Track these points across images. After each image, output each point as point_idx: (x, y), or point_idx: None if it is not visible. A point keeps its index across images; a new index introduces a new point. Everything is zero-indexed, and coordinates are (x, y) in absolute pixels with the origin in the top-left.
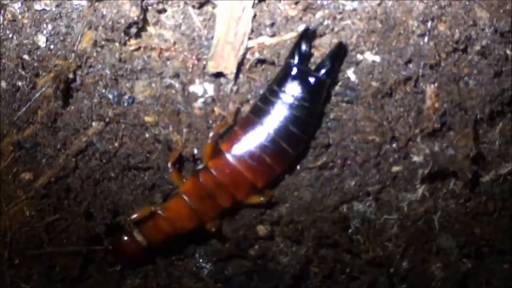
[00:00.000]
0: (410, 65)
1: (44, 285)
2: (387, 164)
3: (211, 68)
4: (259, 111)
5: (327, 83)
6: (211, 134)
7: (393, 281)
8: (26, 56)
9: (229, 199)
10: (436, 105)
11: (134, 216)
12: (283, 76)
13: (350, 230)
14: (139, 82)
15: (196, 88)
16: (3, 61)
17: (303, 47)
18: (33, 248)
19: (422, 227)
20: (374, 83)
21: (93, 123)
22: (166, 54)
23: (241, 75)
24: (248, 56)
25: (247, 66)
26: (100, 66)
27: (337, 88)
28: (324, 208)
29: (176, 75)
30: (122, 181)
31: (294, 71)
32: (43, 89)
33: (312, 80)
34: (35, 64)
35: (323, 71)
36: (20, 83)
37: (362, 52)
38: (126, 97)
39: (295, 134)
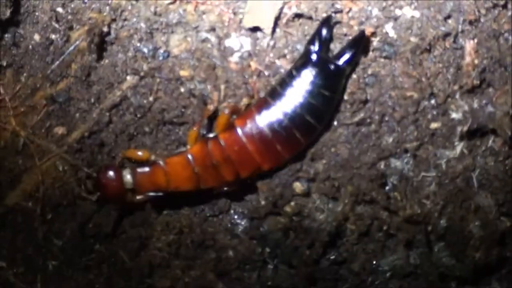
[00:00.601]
0: (449, 21)
1: (77, 241)
2: (425, 120)
3: (248, 22)
4: (276, 95)
5: (347, 71)
6: (226, 111)
7: (430, 239)
8: (60, 9)
9: (232, 174)
10: (476, 61)
11: (129, 153)
12: (302, 62)
13: (387, 187)
14: (174, 36)
15: (232, 42)
16: (37, 14)
17: (324, 33)
18: (66, 203)
19: (460, 185)
20: (412, 39)
21: (128, 77)
22: (202, 7)
23: (278, 30)
24: (285, 10)
25: (284, 21)
26: (135, 19)
27: (375, 43)
28: (361, 164)
29: (212, 29)
30: (157, 136)
31: (314, 57)
32: (77, 42)
33: (331, 67)
34: (69, 17)
35: (343, 59)
36: (53, 36)
37: (401, 7)
38: (161, 51)
39: (309, 123)
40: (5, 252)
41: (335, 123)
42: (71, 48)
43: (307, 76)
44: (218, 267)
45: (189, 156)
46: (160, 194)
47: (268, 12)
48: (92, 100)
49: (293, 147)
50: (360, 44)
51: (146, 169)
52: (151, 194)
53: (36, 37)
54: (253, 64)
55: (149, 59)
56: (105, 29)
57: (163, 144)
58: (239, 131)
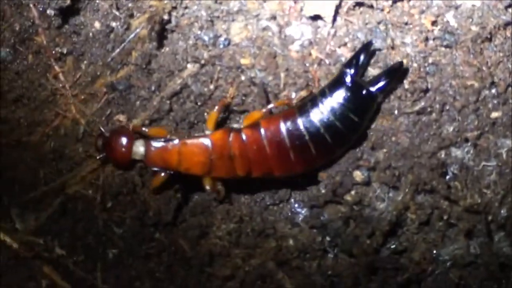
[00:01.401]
0: (510, 10)
1: (137, 230)
2: (486, 109)
3: (308, 10)
4: (305, 110)
5: (379, 99)
6: (265, 108)
7: (491, 228)
8: None
9: (245, 170)
10: None
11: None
12: (336, 82)
13: (448, 177)
14: (235, 24)
15: (293, 30)
16: (97, 1)
17: (362, 58)
18: (126, 191)
19: None
20: (473, 28)
21: (188, 65)
22: None
23: (338, 18)
24: None
25: (344, 9)
26: (195, 7)
27: (436, 32)
28: (421, 153)
29: (273, 17)
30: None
31: (348, 79)
32: (138, 30)
33: (364, 93)
34: (130, 4)
35: (377, 86)
36: (114, 24)
37: None
38: (222, 39)
39: (329, 145)
40: (65, 240)
41: (396, 112)
42: (132, 35)
43: (338, 98)
44: (278, 256)
45: (208, 142)
46: (168, 172)
47: (329, 1)
48: (153, 88)
49: (307, 163)
50: (395, 75)
51: (161, 144)
52: (156, 169)
53: (97, 24)
54: (314, 53)
55: (209, 47)
56: (166, 16)
57: None
58: (262, 132)
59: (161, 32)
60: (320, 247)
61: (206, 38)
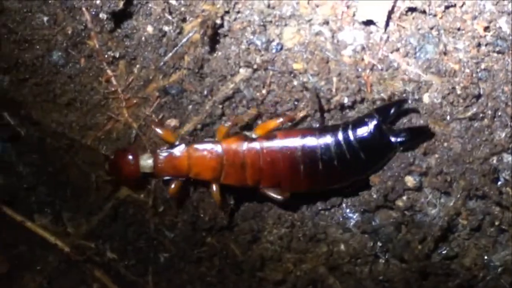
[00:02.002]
0: None
1: (189, 234)
2: None
3: (361, 15)
4: (324, 134)
5: (396, 150)
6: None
7: None
8: (173, 1)
9: (254, 180)
10: None
11: (158, 130)
12: (361, 121)
13: (499, 183)
14: (287, 28)
15: (345, 35)
16: (150, 5)
17: (392, 111)
18: (179, 196)
19: None
20: None
21: (241, 70)
22: (315, 0)
23: (391, 23)
24: (398, 3)
25: (397, 14)
26: (248, 11)
27: (488, 38)
28: (473, 159)
29: (326, 22)
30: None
31: (373, 123)
32: (190, 34)
33: (384, 140)
34: (182, 9)
35: (399, 139)
36: (166, 28)
37: None
38: (275, 43)
39: (338, 175)
40: (116, 244)
41: (448, 117)
42: (184, 40)
43: (358, 136)
44: (329, 261)
45: (221, 147)
46: (180, 179)
47: (381, 6)
48: (205, 92)
49: (313, 183)
50: (419, 136)
51: (168, 152)
52: (167, 179)
53: (149, 28)
54: (366, 58)
55: (262, 52)
56: (218, 21)
57: None
58: (278, 144)
59: (214, 36)
60: (372, 252)
61: (258, 42)
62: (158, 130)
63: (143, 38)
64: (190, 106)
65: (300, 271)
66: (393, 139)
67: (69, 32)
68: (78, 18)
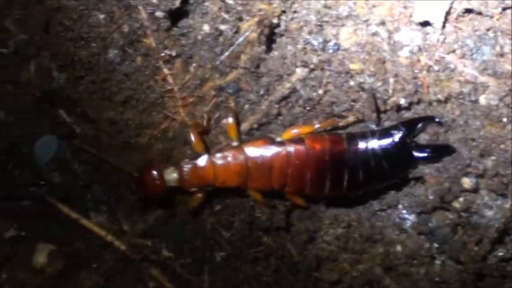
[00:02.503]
0: None
1: (245, 233)
2: None
3: (418, 16)
4: (351, 141)
5: (416, 165)
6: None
7: None
8: (230, 0)
9: (280, 184)
10: None
11: (192, 138)
12: (388, 131)
13: None
14: (344, 28)
15: (402, 36)
16: (206, 4)
17: (419, 126)
18: (235, 194)
19: None
20: None
21: (297, 69)
22: (372, 1)
23: (448, 24)
24: (455, 5)
25: (454, 15)
26: (305, 11)
27: None
28: None
29: (382, 23)
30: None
31: (398, 136)
32: (247, 33)
33: (405, 154)
34: (239, 8)
35: (420, 154)
36: (223, 27)
37: None
38: (331, 43)
39: (359, 181)
40: (172, 243)
41: (504, 119)
42: (241, 39)
43: (383, 145)
44: (385, 262)
45: (246, 151)
46: (206, 189)
47: (438, 7)
48: (261, 91)
49: (336, 189)
50: (442, 154)
51: (192, 164)
52: (194, 190)
53: (206, 27)
54: (423, 59)
55: (318, 52)
56: (275, 20)
57: None
58: (305, 149)
59: (270, 36)
60: (428, 254)
61: (315, 42)
62: (192, 138)
63: (199, 37)
64: (247, 106)
65: (356, 272)
66: (415, 154)
67: (126, 30)
68: (134, 16)
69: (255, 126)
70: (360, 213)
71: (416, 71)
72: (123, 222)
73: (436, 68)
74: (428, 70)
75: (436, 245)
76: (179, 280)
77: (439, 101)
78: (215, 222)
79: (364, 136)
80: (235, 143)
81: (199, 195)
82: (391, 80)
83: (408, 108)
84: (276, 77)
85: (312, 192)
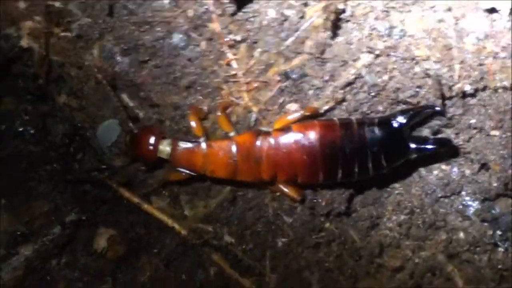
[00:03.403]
0: None
1: (307, 219)
2: None
3: (485, 3)
4: (345, 127)
5: (411, 156)
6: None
7: None
8: None
9: (270, 174)
10: None
11: (191, 123)
12: (386, 120)
13: None
14: (410, 15)
15: (468, 23)
16: None
17: (419, 115)
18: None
19: None
20: None
21: (363, 55)
22: None
23: None
24: None
25: None
26: None
27: None
28: None
29: (449, 9)
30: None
31: (395, 125)
32: (312, 19)
33: (400, 145)
34: None
35: (417, 146)
36: (289, 12)
37: None
38: (397, 29)
39: (353, 169)
40: (234, 228)
41: None
42: (306, 24)
43: (380, 134)
44: (448, 249)
45: (234, 144)
46: (193, 174)
47: None
48: (326, 77)
49: (330, 177)
50: (440, 147)
51: (187, 145)
52: (183, 171)
53: (271, 12)
54: (489, 46)
55: (384, 38)
56: (341, 6)
57: None
58: (293, 137)
59: (336, 21)
60: (491, 241)
61: (381, 28)
62: (192, 123)
63: (264, 22)
64: (311, 91)
65: (418, 258)
66: (412, 145)
67: (190, 14)
68: (199, 1)
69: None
70: (423, 199)
71: (482, 57)
72: (185, 206)
73: (502, 55)
74: (494, 57)
75: (499, 232)
76: (240, 265)
77: (504, 88)
78: (277, 208)
79: (361, 123)
80: (232, 134)
81: (183, 174)
82: (457, 66)
83: (473, 94)
84: (341, 62)
85: (306, 180)
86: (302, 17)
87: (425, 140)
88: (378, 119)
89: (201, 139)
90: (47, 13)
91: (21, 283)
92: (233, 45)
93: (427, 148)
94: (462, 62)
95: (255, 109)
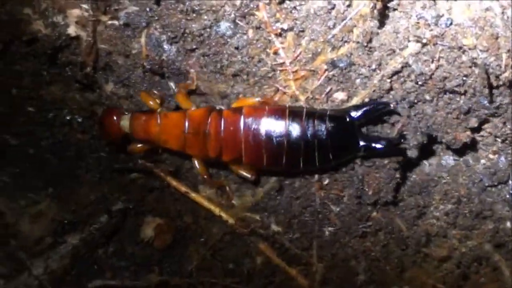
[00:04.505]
0: None
1: (354, 208)
2: None
3: None
4: (296, 115)
5: (359, 153)
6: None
7: None
8: None
9: (215, 152)
10: None
11: (143, 97)
12: (338, 114)
13: None
14: (457, 3)
15: None
16: None
17: (372, 110)
18: (345, 169)
19: None
20: None
21: (410, 44)
22: None
23: None
24: None
25: None
26: None
27: None
28: None
29: None
30: (437, 104)
31: (347, 119)
32: (360, 7)
33: (351, 139)
34: None
35: (367, 144)
36: (336, 1)
37: None
38: (444, 18)
39: (298, 158)
40: (281, 217)
41: None
42: (353, 13)
43: (330, 126)
44: (495, 238)
45: (186, 117)
46: (149, 146)
47: None
48: (373, 66)
49: (274, 163)
50: (391, 150)
51: (144, 114)
52: (140, 145)
53: (318, 1)
54: None
55: (431, 26)
56: None
57: (443, 112)
58: (242, 118)
59: (383, 10)
60: None
61: (428, 17)
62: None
63: (312, 10)
64: (358, 80)
65: (465, 248)
66: (361, 142)
67: (237, 3)
68: None
69: (367, 100)
70: (470, 188)
71: None
72: (232, 196)
73: None
74: None
75: None
76: (287, 254)
77: None
78: (324, 197)
79: (311, 113)
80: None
81: (145, 146)
82: (504, 55)
83: None
84: (389, 51)
85: (249, 162)
86: (349, 6)
87: (376, 139)
88: (329, 112)
89: (158, 110)
90: (94, 1)
91: (68, 271)
92: (280, 34)
93: (375, 147)
94: (509, 51)
95: (302, 97)
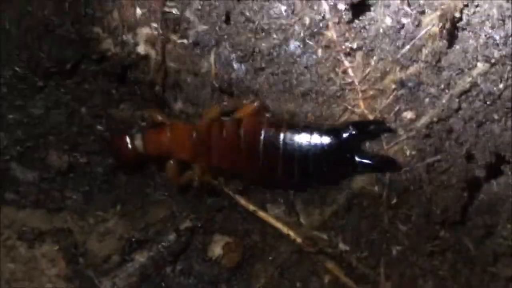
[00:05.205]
0: None
1: (422, 227)
2: None
3: None
4: (294, 129)
5: (355, 170)
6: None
7: None
8: None
9: (216, 161)
10: None
11: (146, 114)
12: (335, 129)
13: None
14: None
15: None
16: None
17: (369, 128)
18: (413, 188)
19: None
20: None
21: (478, 64)
22: None
23: None
24: None
25: None
26: (487, 5)
27: None
28: None
29: None
30: (505, 123)
31: (344, 136)
32: (429, 27)
33: (347, 155)
34: (421, 1)
35: (362, 160)
36: (405, 21)
37: None
38: None
39: (293, 171)
40: (349, 236)
41: None
42: (422, 32)
43: (327, 141)
44: None
45: (195, 128)
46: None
47: None
48: (442, 85)
49: (269, 175)
50: (385, 165)
51: (154, 129)
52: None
53: (387, 20)
54: None
55: (500, 46)
56: (457, 14)
57: (511, 132)
58: (241, 129)
59: (452, 30)
60: None
61: (497, 37)
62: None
63: (381, 30)
64: (427, 99)
65: None
66: (357, 158)
67: (307, 22)
68: (316, 8)
69: (435, 120)
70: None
71: None
72: (301, 214)
73: None
74: None
75: None
76: (355, 273)
77: None
78: (393, 216)
79: (308, 129)
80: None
81: (171, 162)
82: None
83: None
84: (457, 71)
85: (247, 173)
86: (418, 25)
87: (372, 157)
88: (326, 127)
89: (165, 122)
90: (163, 20)
91: None
92: (349, 53)
93: (370, 164)
94: None
95: (370, 117)
